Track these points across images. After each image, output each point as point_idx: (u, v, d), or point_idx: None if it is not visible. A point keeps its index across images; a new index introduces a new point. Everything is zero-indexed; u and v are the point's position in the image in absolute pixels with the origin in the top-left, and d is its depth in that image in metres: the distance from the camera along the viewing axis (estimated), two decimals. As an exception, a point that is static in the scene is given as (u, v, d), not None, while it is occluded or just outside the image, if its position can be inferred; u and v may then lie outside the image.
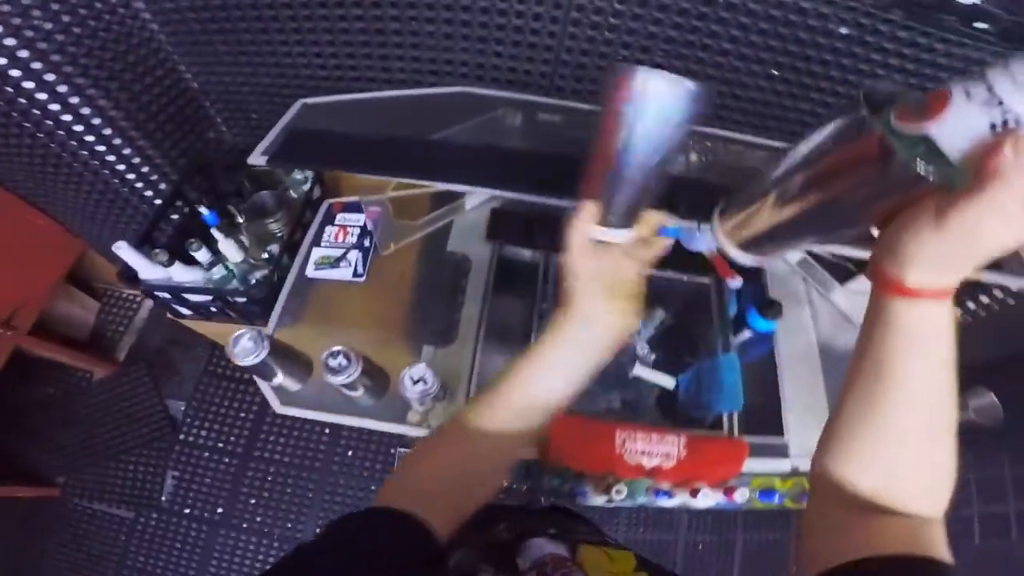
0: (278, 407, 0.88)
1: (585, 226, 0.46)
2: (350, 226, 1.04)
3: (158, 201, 1.24)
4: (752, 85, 0.97)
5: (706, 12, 0.85)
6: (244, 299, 1.02)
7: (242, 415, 1.92)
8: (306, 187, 1.16)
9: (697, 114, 0.39)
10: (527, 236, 1.06)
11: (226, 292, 1.02)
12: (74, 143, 1.08)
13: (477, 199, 1.11)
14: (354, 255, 1.00)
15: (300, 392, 0.90)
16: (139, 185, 1.22)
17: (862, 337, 0.38)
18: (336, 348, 0.80)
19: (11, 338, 1.54)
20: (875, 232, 0.36)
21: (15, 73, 0.92)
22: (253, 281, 1.05)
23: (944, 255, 0.31)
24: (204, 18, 1.00)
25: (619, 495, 0.89)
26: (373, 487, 1.85)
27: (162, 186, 1.24)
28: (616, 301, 0.48)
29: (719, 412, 0.94)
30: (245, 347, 0.74)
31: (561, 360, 0.49)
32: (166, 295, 1.05)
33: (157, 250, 0.98)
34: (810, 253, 1.13)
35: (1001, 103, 0.26)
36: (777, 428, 0.95)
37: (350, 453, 1.89)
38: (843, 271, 1.10)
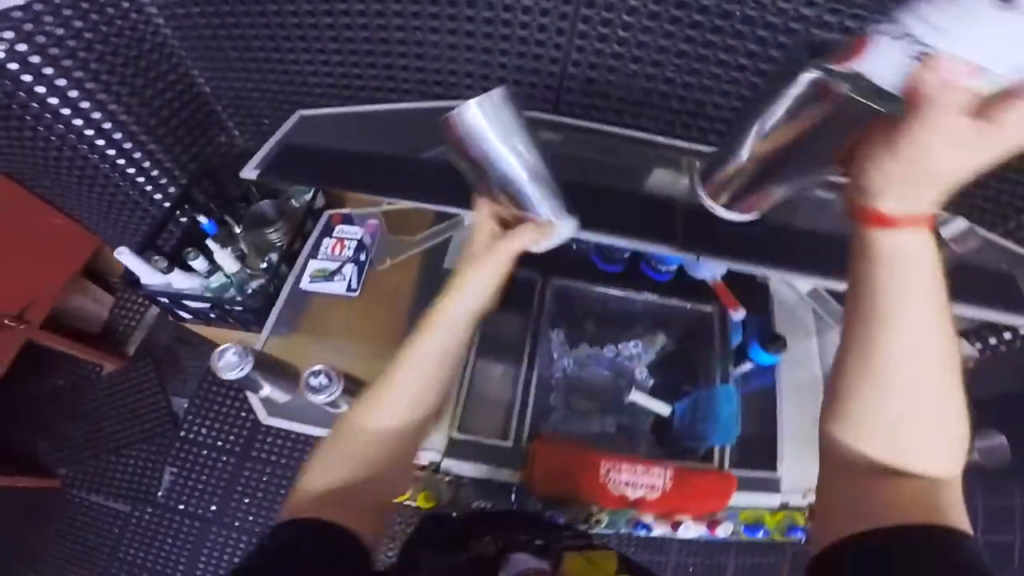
0: (264, 418, 0.88)
1: (486, 223, 0.51)
2: (347, 239, 1.04)
3: (167, 204, 1.26)
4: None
5: (721, 26, 0.82)
6: (240, 308, 1.03)
7: (243, 415, 1.94)
8: (308, 196, 1.17)
9: (520, 108, 0.45)
10: (526, 255, 1.04)
11: (223, 301, 1.03)
12: (85, 147, 1.10)
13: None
14: (349, 269, 1.00)
15: (287, 404, 0.90)
16: (148, 188, 1.24)
17: (849, 284, 0.39)
18: (317, 367, 0.79)
19: (24, 331, 1.57)
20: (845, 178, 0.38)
21: (27, 78, 0.94)
22: (250, 291, 1.06)
23: (905, 179, 0.33)
24: (215, 23, 1.02)
25: (599, 525, 0.87)
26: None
27: (171, 189, 1.26)
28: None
29: (713, 444, 0.92)
30: (229, 361, 0.74)
31: (448, 316, 0.50)
32: (166, 300, 1.07)
33: (157, 257, 1.00)
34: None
35: (912, 36, 0.30)
36: (771, 462, 0.92)
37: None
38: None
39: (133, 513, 1.83)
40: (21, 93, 0.97)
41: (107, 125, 1.08)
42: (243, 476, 1.87)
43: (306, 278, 1.01)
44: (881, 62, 0.33)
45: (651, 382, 1.15)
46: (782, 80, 0.37)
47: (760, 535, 0.91)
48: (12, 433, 1.92)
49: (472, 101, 0.42)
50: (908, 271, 0.35)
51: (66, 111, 1.02)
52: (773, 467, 0.92)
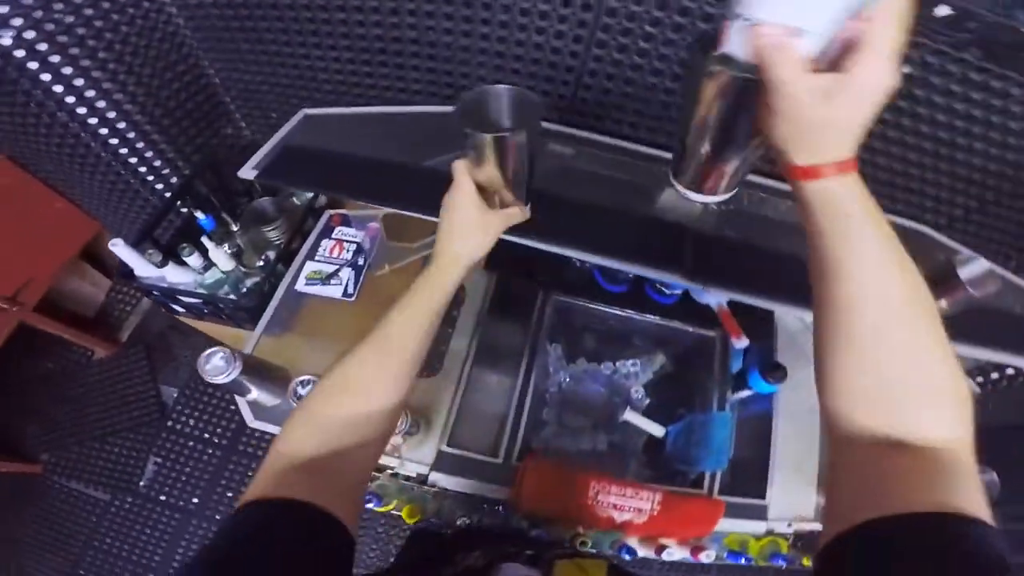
0: (251, 421, 0.87)
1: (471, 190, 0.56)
2: (346, 241, 1.02)
3: (168, 194, 1.25)
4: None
5: None
6: (234, 306, 1.02)
7: (232, 408, 1.92)
8: (310, 194, 1.15)
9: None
10: (528, 270, 1.03)
11: (217, 298, 1.01)
12: (87, 135, 1.09)
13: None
14: (347, 273, 0.98)
15: (276, 408, 0.88)
16: (150, 178, 1.23)
17: (808, 250, 0.41)
18: (307, 377, 0.78)
19: (16, 313, 1.56)
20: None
21: (33, 66, 0.93)
22: (244, 289, 1.04)
23: (800, 134, 0.38)
24: (228, 15, 1.01)
25: (584, 546, 0.86)
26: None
27: (173, 180, 1.25)
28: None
29: (704, 470, 0.91)
30: (216, 366, 0.72)
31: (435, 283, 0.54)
32: (159, 294, 1.05)
33: (151, 250, 0.98)
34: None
35: (745, 18, 0.37)
36: (760, 489, 0.91)
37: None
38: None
39: (113, 502, 1.82)
40: (26, 80, 0.96)
41: (111, 114, 1.07)
42: (228, 470, 1.85)
43: (302, 280, 0.99)
44: (735, 40, 0.39)
45: (646, 402, 1.14)
46: (689, 74, 0.45)
47: (743, 562, 0.90)
48: (0, 416, 1.91)
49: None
50: (841, 214, 0.38)
51: (70, 99, 1.01)
52: (762, 495, 0.91)
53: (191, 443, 1.87)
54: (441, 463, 0.84)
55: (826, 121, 0.36)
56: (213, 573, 0.32)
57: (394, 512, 0.87)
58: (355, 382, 0.48)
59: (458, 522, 0.83)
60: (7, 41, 0.89)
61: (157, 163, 1.20)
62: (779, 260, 0.80)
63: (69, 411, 1.94)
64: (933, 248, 0.94)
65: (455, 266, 0.55)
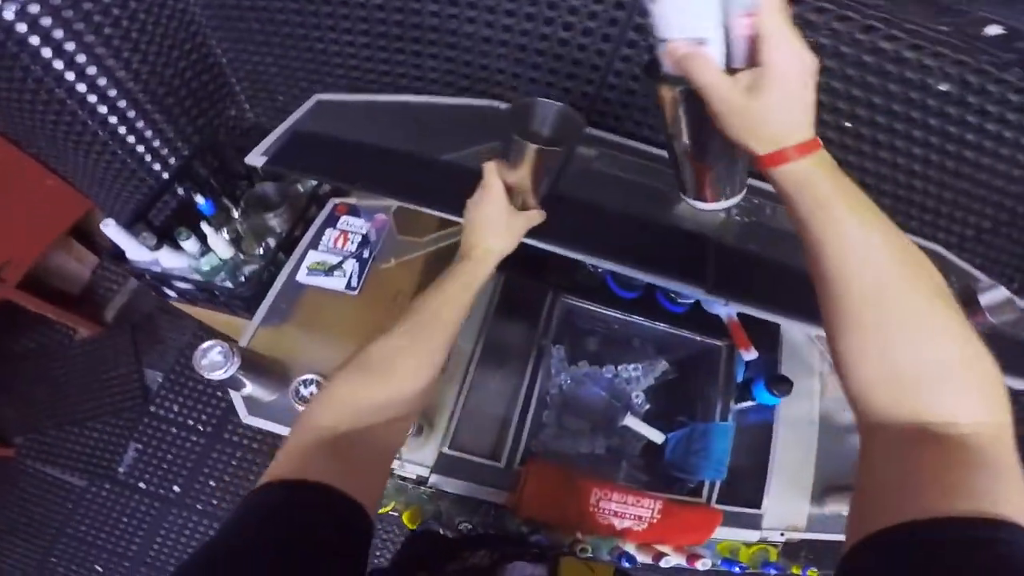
0: (245, 417, 0.83)
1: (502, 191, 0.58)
2: (352, 232, 0.99)
3: (166, 175, 1.21)
4: (817, 134, 0.89)
5: None
6: (229, 294, 0.98)
7: (218, 394, 1.87)
8: (314, 181, 1.12)
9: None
10: (538, 271, 1.00)
11: (212, 285, 0.98)
12: (85, 112, 1.05)
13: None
14: (351, 265, 0.95)
15: (272, 404, 0.84)
16: (148, 158, 1.19)
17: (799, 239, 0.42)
18: (309, 376, 0.75)
19: (-1, 289, 1.51)
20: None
21: (34, 40, 0.89)
22: (242, 277, 1.01)
23: (752, 127, 0.40)
24: (241, -5, 0.98)
25: (584, 553, 0.85)
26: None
27: (172, 160, 1.21)
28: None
29: (703, 479, 0.91)
30: (214, 361, 0.68)
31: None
32: (151, 278, 1.02)
33: (146, 233, 0.94)
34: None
35: (662, 40, 0.42)
36: (756, 498, 0.91)
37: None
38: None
39: (90, 488, 1.76)
40: (25, 56, 0.92)
41: (112, 92, 1.03)
42: (211, 458, 1.80)
43: (303, 270, 0.95)
44: (666, 61, 0.43)
45: (646, 407, 1.13)
46: (651, 97, 0.50)
47: (737, 570, 0.91)
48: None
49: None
50: (813, 192, 0.39)
51: (70, 76, 0.97)
52: (758, 504, 0.91)
53: (174, 429, 1.82)
54: (441, 465, 0.82)
55: (764, 110, 0.39)
56: (238, 554, 0.32)
57: (392, 513, 0.84)
58: (389, 365, 0.49)
59: (460, 527, 0.81)
60: (9, 15, 0.85)
61: (156, 143, 1.16)
62: (802, 276, 0.79)
63: (47, 392, 1.87)
64: (945, 270, 0.94)
65: (489, 260, 0.58)
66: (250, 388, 0.78)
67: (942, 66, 0.71)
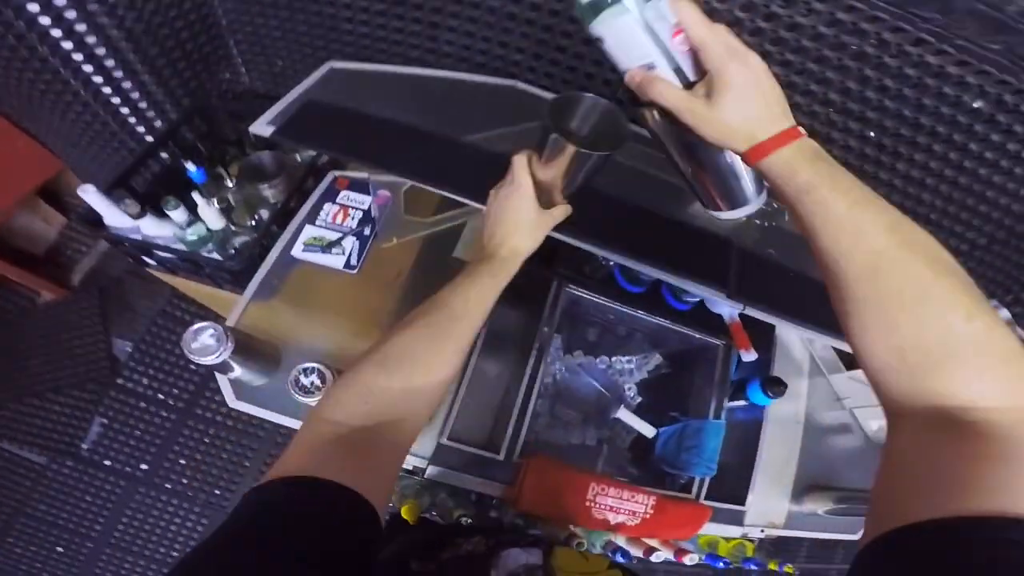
0: (232, 402, 0.78)
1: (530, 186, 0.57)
2: (352, 208, 0.94)
3: (150, 139, 1.13)
4: (840, 143, 0.89)
5: (828, 56, 0.75)
6: (216, 266, 0.93)
7: (191, 367, 1.78)
8: (312, 152, 1.07)
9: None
10: (545, 258, 0.97)
11: (198, 256, 0.92)
12: (68, 71, 0.97)
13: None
14: (350, 243, 0.91)
15: (261, 389, 0.80)
16: (132, 120, 1.11)
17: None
18: (309, 365, 0.71)
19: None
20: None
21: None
22: (232, 250, 0.95)
23: (727, 129, 0.42)
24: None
25: (580, 547, 0.85)
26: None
27: (158, 123, 1.13)
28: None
29: (693, 475, 0.92)
30: (206, 345, 0.62)
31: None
32: (130, 246, 0.95)
33: (128, 200, 0.87)
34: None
35: (623, 70, 0.46)
36: (741, 496, 0.93)
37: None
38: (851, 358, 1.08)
39: (51, 465, 1.67)
40: (8, 11, 0.84)
41: (100, 50, 0.95)
42: (182, 435, 1.73)
43: (299, 245, 0.91)
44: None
45: (638, 400, 1.13)
46: (641, 123, 0.52)
47: (721, 566, 0.94)
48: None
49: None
50: (795, 179, 0.40)
51: (56, 32, 0.90)
52: (742, 501, 0.93)
53: (143, 404, 1.74)
54: (439, 457, 0.80)
55: (726, 112, 0.41)
56: (247, 552, 0.31)
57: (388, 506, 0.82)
58: (413, 356, 0.48)
59: (460, 519, 0.79)
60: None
61: (142, 105, 1.09)
62: (820, 285, 0.81)
63: (5, 361, 1.75)
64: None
65: (516, 260, 0.57)
66: (238, 371, 0.73)
67: (983, 84, 0.71)
